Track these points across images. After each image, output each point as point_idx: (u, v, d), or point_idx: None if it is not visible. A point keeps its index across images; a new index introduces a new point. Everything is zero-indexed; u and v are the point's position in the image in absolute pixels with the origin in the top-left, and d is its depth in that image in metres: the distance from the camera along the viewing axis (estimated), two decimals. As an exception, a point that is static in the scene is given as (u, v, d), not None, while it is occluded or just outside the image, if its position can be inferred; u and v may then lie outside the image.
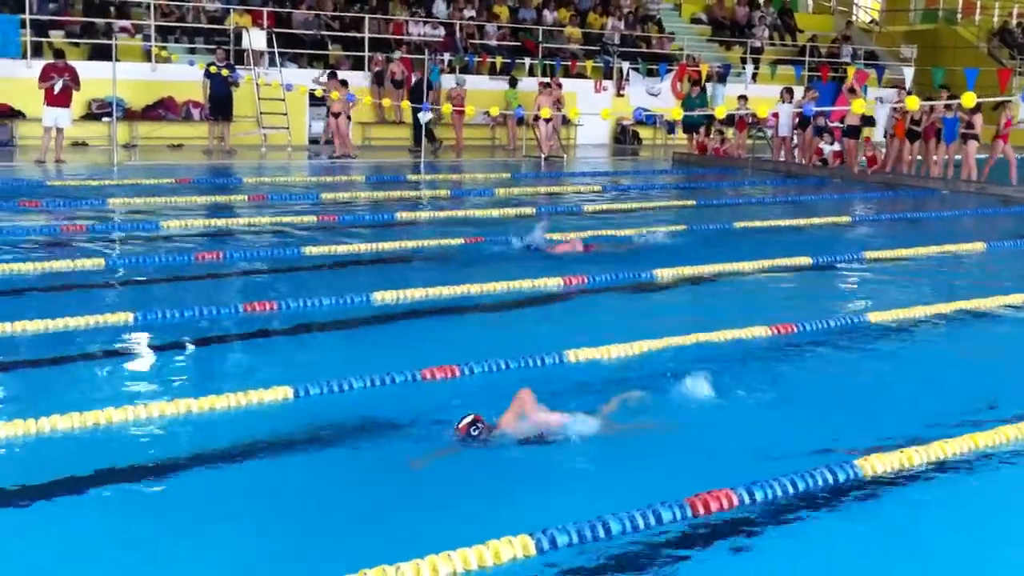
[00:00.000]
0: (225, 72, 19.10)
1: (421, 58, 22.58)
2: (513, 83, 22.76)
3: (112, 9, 21.64)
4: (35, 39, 19.66)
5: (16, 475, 4.58)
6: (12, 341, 6.70)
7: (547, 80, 22.89)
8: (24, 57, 19.24)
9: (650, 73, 25.49)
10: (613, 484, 4.72)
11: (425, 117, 19.93)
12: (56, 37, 20.70)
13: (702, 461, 5.02)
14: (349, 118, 20.31)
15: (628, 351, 6.80)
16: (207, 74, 19.32)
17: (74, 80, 17.20)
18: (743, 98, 21.63)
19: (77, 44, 20.77)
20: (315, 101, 20.61)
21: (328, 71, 20.97)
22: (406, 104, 18.69)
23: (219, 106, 19.54)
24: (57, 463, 4.72)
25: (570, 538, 4.04)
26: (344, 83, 19.84)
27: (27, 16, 19.65)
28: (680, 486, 4.50)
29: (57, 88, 16.91)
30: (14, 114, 19.41)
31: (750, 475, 4.66)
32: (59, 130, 17.19)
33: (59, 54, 18.06)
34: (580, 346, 6.72)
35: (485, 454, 5.00)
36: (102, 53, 19.62)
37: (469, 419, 5.12)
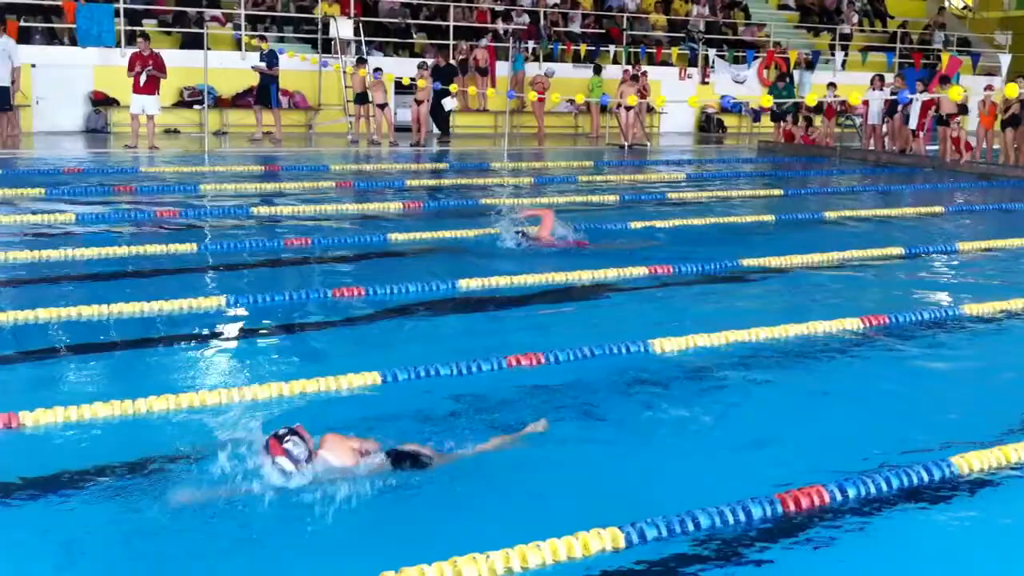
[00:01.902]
0: (269, 48, 19.19)
1: (505, 46, 22.62)
2: (598, 71, 22.64)
3: (203, -2, 22.05)
4: (128, 28, 20.09)
5: (113, 454, 4.69)
6: (108, 323, 6.86)
7: (630, 69, 22.74)
8: (118, 46, 19.68)
9: (736, 60, 25.15)
10: (702, 478, 4.67)
11: (449, 104, 19.80)
12: (149, 26, 21.13)
13: (793, 456, 4.94)
14: (383, 106, 20.20)
15: (714, 341, 6.73)
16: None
17: (158, 68, 17.44)
18: (832, 86, 21.24)
19: (169, 33, 21.20)
20: (401, 89, 20.72)
21: (418, 62, 21.05)
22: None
23: (259, 94, 19.62)
24: (153, 443, 4.82)
25: (659, 531, 4.01)
26: (378, 69, 19.79)
27: (121, 5, 20.09)
28: (770, 481, 4.46)
29: (142, 78, 17.23)
30: (109, 101, 19.89)
31: (842, 471, 4.59)
32: (149, 117, 17.51)
33: (144, 36, 18.30)
34: (666, 335, 6.67)
35: (575, 445, 5.00)
36: (194, 42, 20.00)
37: (283, 432, 4.32)
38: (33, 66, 19.05)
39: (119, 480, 4.45)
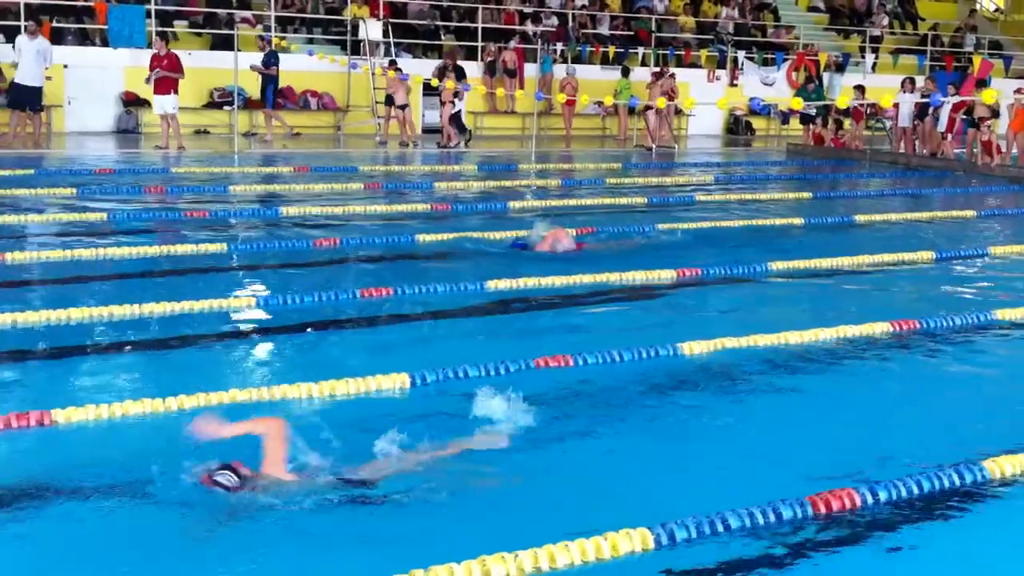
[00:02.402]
0: (270, 49, 19.18)
1: (534, 48, 22.64)
2: (626, 73, 22.61)
3: (234, 0, 22.18)
4: (160, 29, 20.23)
5: (147, 450, 4.71)
6: (140, 322, 6.91)
7: (658, 69, 22.70)
8: (149, 47, 19.79)
9: (766, 62, 25.05)
10: (732, 481, 4.65)
11: (454, 107, 19.74)
12: (180, 27, 21.29)
13: (824, 459, 4.92)
14: (404, 107, 19.96)
15: (743, 344, 6.70)
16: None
17: (173, 68, 17.30)
18: (859, 88, 21.12)
19: (199, 34, 21.34)
20: (429, 91, 20.75)
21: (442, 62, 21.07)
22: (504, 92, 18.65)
23: (260, 94, 19.51)
24: (184, 440, 4.85)
25: (688, 533, 4.01)
26: (399, 69, 19.66)
27: (152, 7, 20.26)
28: (800, 484, 4.44)
29: (152, 79, 17.26)
30: (140, 102, 20.02)
31: (872, 475, 4.56)
32: (172, 117, 17.45)
33: (161, 36, 18.29)
34: (694, 338, 6.65)
35: (604, 446, 5.01)
36: (224, 43, 20.12)
37: (215, 467, 4.31)
38: (65, 67, 19.24)
39: (148, 477, 4.46)
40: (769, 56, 25.30)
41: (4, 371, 5.96)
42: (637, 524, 3.98)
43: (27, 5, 19.20)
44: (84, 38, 20.45)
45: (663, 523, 3.99)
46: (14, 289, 7.80)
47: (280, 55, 20.12)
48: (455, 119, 20.28)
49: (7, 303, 7.09)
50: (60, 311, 6.90)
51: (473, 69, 22.49)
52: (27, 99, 17.20)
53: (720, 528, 4.05)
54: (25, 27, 17.40)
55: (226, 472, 4.25)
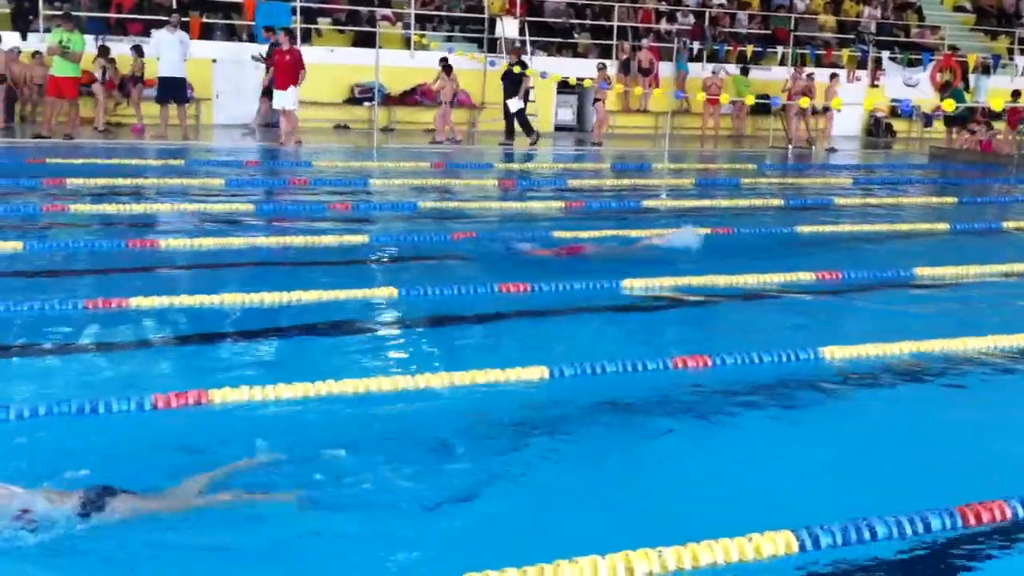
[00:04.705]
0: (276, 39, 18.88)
1: (668, 46, 22.51)
2: (745, 72, 22.33)
3: (375, -2, 22.68)
4: (304, 26, 20.80)
5: (297, 433, 4.88)
6: (288, 310, 7.14)
7: (804, 69, 22.33)
8: (294, 43, 20.37)
9: (911, 63, 24.38)
10: (878, 488, 4.59)
11: (515, 106, 19.48)
12: (323, 23, 21.84)
13: (973, 469, 4.81)
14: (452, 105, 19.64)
15: (887, 351, 6.56)
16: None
17: (293, 63, 17.23)
18: (1016, 94, 20.35)
19: (342, 31, 21.85)
20: (564, 89, 20.84)
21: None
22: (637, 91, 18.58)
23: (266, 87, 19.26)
24: (334, 424, 5.02)
25: (834, 538, 3.96)
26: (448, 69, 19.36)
27: (298, 3, 20.83)
28: (949, 494, 4.34)
29: (268, 74, 17.56)
30: (284, 97, 20.60)
31: (1025, 487, 4.44)
32: (289, 113, 17.54)
33: (286, 31, 18.39)
34: (836, 343, 6.54)
35: (746, 447, 4.99)
36: (365, 40, 20.57)
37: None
38: (214, 61, 19.94)
39: (292, 457, 4.61)
40: (915, 56, 24.60)
41: (162, 351, 6.25)
42: (780, 527, 3.96)
43: (179, 1, 19.95)
44: (231, 34, 21.16)
45: (807, 527, 3.96)
46: (170, 273, 8.17)
47: (420, 53, 20.44)
48: (521, 118, 20.02)
49: (164, 287, 7.40)
50: (213, 296, 7.18)
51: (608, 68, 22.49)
52: (173, 91, 17.48)
53: (866, 535, 3.99)
54: (167, 22, 17.78)
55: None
